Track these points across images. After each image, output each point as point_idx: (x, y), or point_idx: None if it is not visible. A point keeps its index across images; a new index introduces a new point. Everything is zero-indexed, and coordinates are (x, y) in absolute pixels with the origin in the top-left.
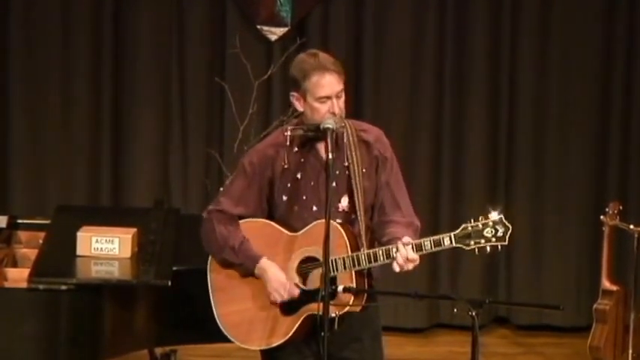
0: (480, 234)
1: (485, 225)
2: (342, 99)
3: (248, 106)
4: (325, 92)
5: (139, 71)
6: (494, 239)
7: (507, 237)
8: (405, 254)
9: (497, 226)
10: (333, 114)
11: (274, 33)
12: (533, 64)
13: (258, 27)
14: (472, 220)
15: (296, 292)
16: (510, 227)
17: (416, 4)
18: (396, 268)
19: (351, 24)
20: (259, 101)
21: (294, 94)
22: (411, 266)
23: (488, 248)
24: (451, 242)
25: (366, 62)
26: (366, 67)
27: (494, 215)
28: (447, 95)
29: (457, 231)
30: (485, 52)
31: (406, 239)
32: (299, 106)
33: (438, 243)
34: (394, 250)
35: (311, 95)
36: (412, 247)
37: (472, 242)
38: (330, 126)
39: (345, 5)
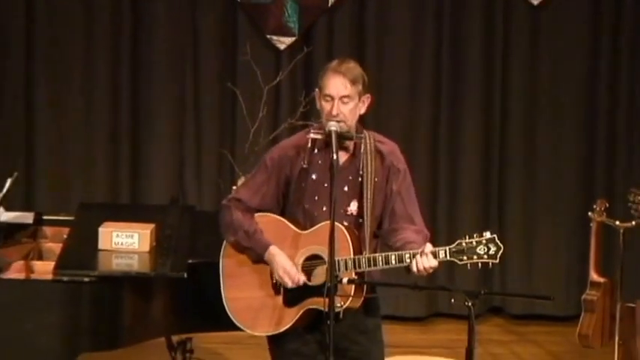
0: (473, 251)
1: (478, 243)
2: (348, 105)
3: (258, 109)
4: (329, 91)
5: (156, 77)
6: (485, 257)
7: (499, 256)
8: (426, 264)
9: (489, 245)
10: (330, 113)
11: (282, 42)
12: (524, 71)
13: (268, 36)
14: (467, 237)
15: (302, 279)
16: (502, 247)
17: (414, 15)
18: (416, 272)
19: (353, 34)
20: (268, 105)
21: (317, 90)
22: (430, 271)
23: (479, 265)
24: (445, 256)
25: (367, 68)
26: (367, 72)
27: (487, 234)
28: (443, 98)
29: (452, 246)
30: (479, 60)
31: (428, 247)
32: (317, 103)
33: (434, 254)
34: (407, 255)
35: (321, 92)
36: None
37: (465, 257)
38: (334, 128)
39: (348, 16)
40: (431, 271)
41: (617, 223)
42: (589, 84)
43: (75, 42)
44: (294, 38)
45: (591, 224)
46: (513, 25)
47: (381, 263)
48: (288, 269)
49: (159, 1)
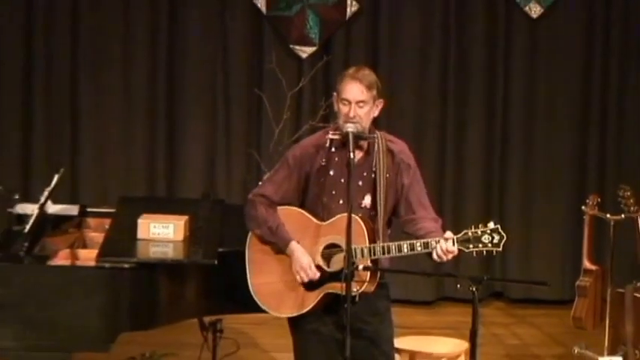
0: (478, 240)
1: (483, 232)
2: (364, 109)
3: (282, 113)
4: (346, 95)
5: (189, 84)
6: (490, 245)
7: (502, 244)
8: (444, 247)
9: (493, 234)
10: (347, 116)
11: (304, 51)
12: (524, 78)
13: (291, 46)
14: (473, 227)
15: (317, 275)
16: (505, 236)
17: (423, 28)
18: (436, 259)
19: (368, 44)
20: (291, 109)
21: (334, 93)
22: (450, 257)
23: (484, 253)
24: (453, 244)
25: (380, 75)
26: (380, 78)
27: (491, 224)
28: (449, 102)
29: (459, 235)
30: (482, 66)
31: (447, 234)
32: (335, 105)
33: (452, 240)
34: (418, 244)
35: (339, 96)
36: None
37: (471, 246)
38: (351, 129)
39: (364, 29)
40: (450, 257)
41: (608, 216)
42: (582, 90)
43: (115, 52)
44: (314, 48)
45: (584, 217)
46: (514, 35)
47: (394, 251)
48: (305, 266)
49: (193, 15)
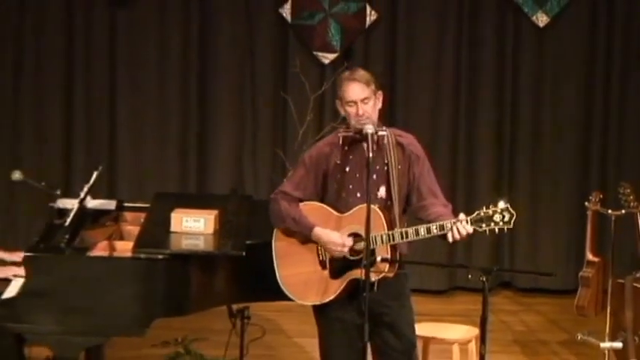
0: (490, 219)
1: (494, 212)
2: (369, 104)
3: (306, 115)
4: (350, 97)
5: (219, 88)
6: (501, 223)
7: (512, 221)
8: (463, 230)
9: (504, 213)
10: (357, 115)
11: (327, 57)
12: (531, 82)
13: (314, 53)
14: (484, 207)
15: (349, 242)
16: (515, 214)
17: (437, 36)
18: (450, 239)
19: (387, 51)
20: (314, 111)
21: (338, 101)
22: (465, 236)
23: (496, 230)
24: (467, 224)
25: (397, 80)
26: (398, 83)
27: (501, 204)
28: (462, 103)
29: (472, 216)
30: (493, 71)
31: (461, 216)
32: (340, 110)
33: (466, 222)
34: (434, 227)
35: (343, 100)
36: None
37: (484, 225)
38: (370, 131)
39: (382, 36)
40: (466, 236)
41: (610, 211)
42: (586, 93)
43: (151, 58)
44: (336, 54)
45: (587, 212)
46: (522, 42)
47: (412, 235)
48: (337, 240)
49: (223, 23)
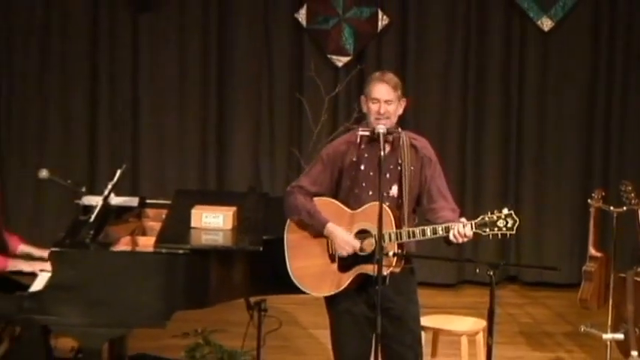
0: (494, 224)
1: (498, 217)
2: (391, 106)
3: (320, 115)
4: (375, 95)
5: (237, 90)
6: (504, 229)
7: (515, 228)
8: (462, 231)
9: (507, 219)
10: (378, 113)
11: (340, 61)
12: (536, 85)
13: (328, 56)
14: (489, 213)
15: (358, 245)
16: (518, 220)
17: (446, 39)
18: (454, 240)
19: (397, 54)
20: (329, 112)
21: (363, 96)
22: (466, 239)
23: (499, 236)
24: (472, 228)
25: (408, 81)
26: (409, 86)
27: (505, 210)
28: (470, 104)
29: (477, 220)
30: (500, 73)
31: (463, 220)
32: (364, 106)
33: (462, 227)
34: (440, 229)
35: (368, 97)
36: (464, 226)
37: (487, 229)
38: (382, 130)
39: (393, 40)
40: (466, 239)
41: (612, 208)
42: (588, 95)
43: (172, 61)
44: (349, 57)
45: (590, 209)
46: (527, 45)
47: (418, 235)
48: (347, 239)
49: (241, 27)
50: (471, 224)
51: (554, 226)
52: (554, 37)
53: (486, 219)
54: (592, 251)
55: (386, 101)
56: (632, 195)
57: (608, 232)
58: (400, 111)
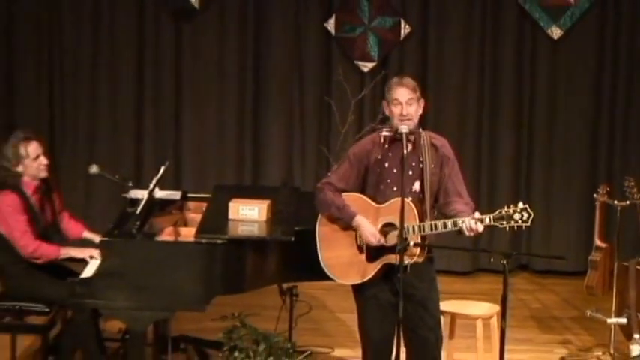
0: (510, 217)
1: (514, 211)
2: (413, 107)
3: (347, 117)
4: (396, 96)
5: (271, 93)
6: (520, 221)
7: (530, 221)
8: (473, 226)
9: (523, 213)
10: (401, 114)
11: (366, 66)
12: (546, 90)
13: (355, 62)
14: (505, 207)
15: (382, 239)
16: (532, 214)
17: (464, 47)
18: (466, 233)
19: (419, 60)
20: (355, 114)
21: (384, 101)
22: (475, 233)
23: (515, 228)
24: (490, 221)
25: (428, 86)
26: (430, 88)
27: (521, 205)
28: (485, 107)
29: (495, 214)
30: (512, 78)
31: (477, 214)
32: (386, 110)
33: (481, 220)
34: (460, 221)
35: (390, 100)
36: (476, 222)
37: (504, 222)
38: (405, 130)
39: (415, 47)
40: (477, 233)
41: (615, 202)
42: (594, 98)
43: (212, 68)
44: (374, 63)
45: (596, 203)
46: (538, 52)
47: (440, 227)
48: (374, 232)
49: (275, 35)
50: (489, 217)
51: (562, 218)
52: (562, 45)
53: (503, 212)
54: (597, 242)
55: (407, 102)
56: (635, 190)
57: (612, 224)
58: (420, 111)
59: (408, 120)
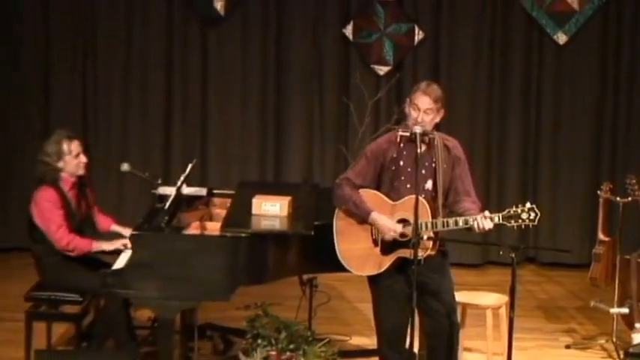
0: (518, 216)
1: (522, 210)
2: (429, 116)
3: (364, 117)
4: (416, 102)
5: (292, 95)
6: (527, 220)
7: (537, 220)
8: (484, 224)
9: (530, 212)
10: (416, 120)
11: (382, 70)
12: (552, 92)
13: (371, 66)
14: (514, 206)
15: (400, 228)
16: (539, 213)
17: (474, 52)
18: (476, 230)
19: (431, 64)
20: (372, 115)
21: (408, 99)
22: (486, 230)
23: (523, 227)
24: (499, 220)
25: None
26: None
27: (528, 204)
28: (494, 109)
29: (504, 212)
30: (520, 80)
31: (486, 213)
32: (407, 108)
33: (491, 219)
34: (471, 219)
35: (411, 101)
36: (486, 219)
37: (512, 221)
38: (418, 131)
39: (428, 52)
40: (486, 230)
41: (618, 199)
42: (598, 99)
43: (236, 72)
44: (390, 67)
45: (599, 199)
46: (545, 57)
47: (451, 224)
48: (390, 226)
49: (295, 41)
50: (499, 216)
51: (567, 214)
52: (568, 50)
53: (512, 212)
54: (601, 236)
55: (425, 110)
56: (636, 187)
57: (614, 219)
58: (437, 120)
59: (422, 126)
